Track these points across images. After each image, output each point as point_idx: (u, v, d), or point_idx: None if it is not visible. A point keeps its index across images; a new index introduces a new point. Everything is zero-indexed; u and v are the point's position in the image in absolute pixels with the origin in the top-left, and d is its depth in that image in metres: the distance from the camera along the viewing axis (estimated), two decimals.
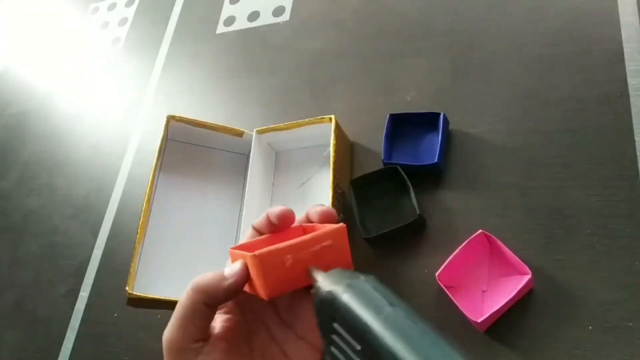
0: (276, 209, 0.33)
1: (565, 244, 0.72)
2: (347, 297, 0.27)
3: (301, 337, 0.33)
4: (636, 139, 0.75)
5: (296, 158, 0.96)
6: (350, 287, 0.27)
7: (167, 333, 0.31)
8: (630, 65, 0.80)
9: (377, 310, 0.26)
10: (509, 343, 0.69)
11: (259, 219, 0.34)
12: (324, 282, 0.29)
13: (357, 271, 0.29)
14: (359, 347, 0.26)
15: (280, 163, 0.97)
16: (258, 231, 0.34)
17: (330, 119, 0.86)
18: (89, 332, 1.03)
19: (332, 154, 0.83)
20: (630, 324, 0.64)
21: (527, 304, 0.70)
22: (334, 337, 0.27)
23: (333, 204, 0.78)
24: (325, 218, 0.33)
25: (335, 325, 0.27)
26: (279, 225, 0.34)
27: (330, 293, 0.28)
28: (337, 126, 0.87)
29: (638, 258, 0.68)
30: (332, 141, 0.84)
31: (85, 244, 1.14)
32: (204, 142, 0.96)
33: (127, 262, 1.08)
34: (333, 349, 0.28)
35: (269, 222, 0.33)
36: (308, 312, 0.32)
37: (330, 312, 0.28)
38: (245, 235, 0.35)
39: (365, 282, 0.28)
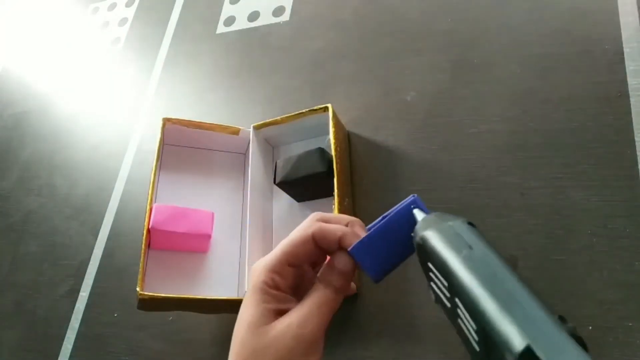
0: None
1: (565, 244, 0.72)
2: (434, 241, 0.33)
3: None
4: (636, 139, 0.75)
5: (294, 152, 0.96)
6: (439, 232, 0.33)
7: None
8: (630, 66, 0.80)
9: (457, 251, 0.31)
10: None
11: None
12: (419, 227, 0.35)
13: (450, 214, 0.35)
14: (446, 283, 0.31)
15: (279, 158, 0.97)
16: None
17: (326, 108, 0.86)
18: (89, 332, 1.03)
19: (332, 141, 0.82)
20: (630, 324, 0.64)
21: None
22: (431, 274, 0.33)
23: (337, 191, 0.78)
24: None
25: (429, 264, 0.33)
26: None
27: (422, 238, 0.34)
28: (334, 115, 0.87)
29: (638, 258, 0.68)
30: (331, 129, 0.84)
31: (85, 244, 1.14)
32: (201, 143, 0.96)
33: (127, 262, 1.08)
34: (432, 285, 0.34)
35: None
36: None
37: (424, 254, 0.34)
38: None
39: (450, 227, 0.33)
